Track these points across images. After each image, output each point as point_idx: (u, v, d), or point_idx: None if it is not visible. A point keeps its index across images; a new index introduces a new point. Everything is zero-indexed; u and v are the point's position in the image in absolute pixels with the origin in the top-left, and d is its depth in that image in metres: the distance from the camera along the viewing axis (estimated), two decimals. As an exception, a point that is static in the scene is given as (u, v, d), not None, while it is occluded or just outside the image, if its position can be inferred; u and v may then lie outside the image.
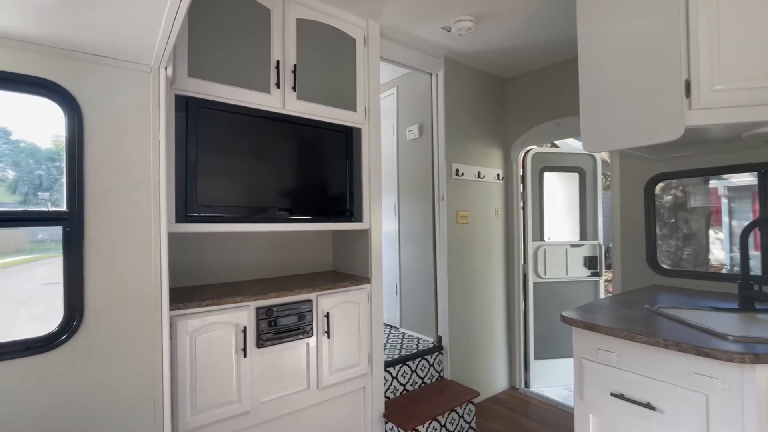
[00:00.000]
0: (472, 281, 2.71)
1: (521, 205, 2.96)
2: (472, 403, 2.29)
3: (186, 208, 1.51)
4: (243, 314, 1.60)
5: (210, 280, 1.91)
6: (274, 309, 1.69)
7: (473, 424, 2.30)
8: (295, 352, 1.77)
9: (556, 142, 3.33)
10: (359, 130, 2.04)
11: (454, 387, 2.40)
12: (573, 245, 2.97)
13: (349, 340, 1.94)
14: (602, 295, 3.01)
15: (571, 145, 3.75)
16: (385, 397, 2.22)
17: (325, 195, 1.92)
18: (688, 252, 2.44)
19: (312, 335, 1.81)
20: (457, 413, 2.21)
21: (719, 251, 2.58)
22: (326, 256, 2.35)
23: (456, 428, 2.20)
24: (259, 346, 1.64)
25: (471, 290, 2.69)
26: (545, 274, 2.91)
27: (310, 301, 1.81)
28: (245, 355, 1.59)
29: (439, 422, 2.11)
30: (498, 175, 2.91)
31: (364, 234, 2.10)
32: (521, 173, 2.97)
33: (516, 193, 2.95)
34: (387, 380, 2.23)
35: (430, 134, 2.70)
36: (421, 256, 2.77)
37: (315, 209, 1.88)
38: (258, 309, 1.65)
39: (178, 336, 1.44)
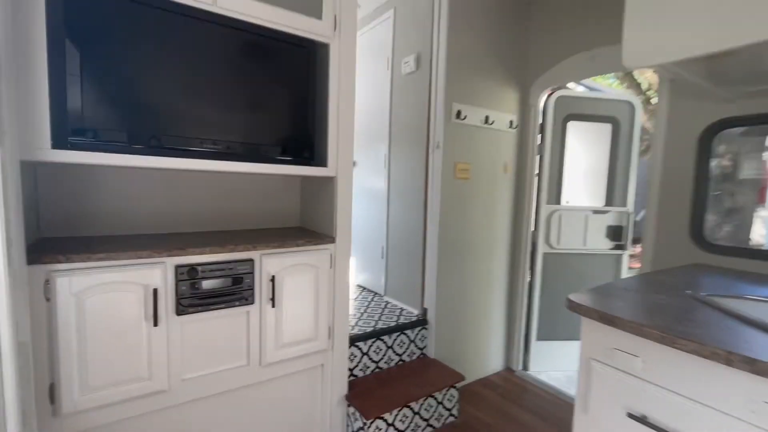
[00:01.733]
0: (469, 248, 2.29)
1: (537, 160, 2.46)
2: (455, 387, 1.96)
3: (64, 129, 1.12)
4: (155, 273, 1.25)
5: (124, 230, 1.55)
6: (199, 269, 1.34)
7: (454, 412, 1.98)
8: (229, 321, 1.43)
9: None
10: (326, 46, 1.57)
11: (436, 368, 2.07)
12: (596, 212, 2.48)
13: (303, 310, 1.59)
14: (625, 273, 2.55)
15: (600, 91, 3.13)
16: (353, 375, 1.90)
17: (277, 129, 1.50)
18: (733, 227, 1.93)
19: (253, 302, 1.46)
20: (436, 399, 1.88)
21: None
22: (293, 208, 1.97)
23: (432, 415, 1.88)
24: (179, 312, 1.31)
25: (466, 258, 2.29)
26: (558, 244, 2.46)
27: (250, 261, 1.45)
28: (155, 323, 1.26)
29: (411, 409, 1.79)
30: (511, 122, 2.39)
31: (330, 183, 1.69)
32: (540, 121, 2.44)
33: (532, 146, 2.45)
34: (355, 357, 1.91)
35: (429, 66, 2.19)
36: (411, 215, 2.36)
37: (262, 147, 1.47)
38: (178, 267, 1.30)
39: (57, 297, 1.11)
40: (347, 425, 1.76)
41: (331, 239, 1.66)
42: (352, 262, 2.98)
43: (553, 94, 2.40)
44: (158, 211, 1.61)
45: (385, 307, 2.41)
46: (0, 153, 0.89)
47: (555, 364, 2.52)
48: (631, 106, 2.48)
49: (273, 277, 1.48)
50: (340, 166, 1.65)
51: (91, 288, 1.16)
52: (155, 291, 1.25)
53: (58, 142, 1.12)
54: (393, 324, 2.11)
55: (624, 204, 2.51)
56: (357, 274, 2.92)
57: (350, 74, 1.64)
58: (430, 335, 2.19)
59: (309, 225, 1.90)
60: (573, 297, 1.06)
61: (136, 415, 1.28)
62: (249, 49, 1.41)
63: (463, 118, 2.16)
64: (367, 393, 1.79)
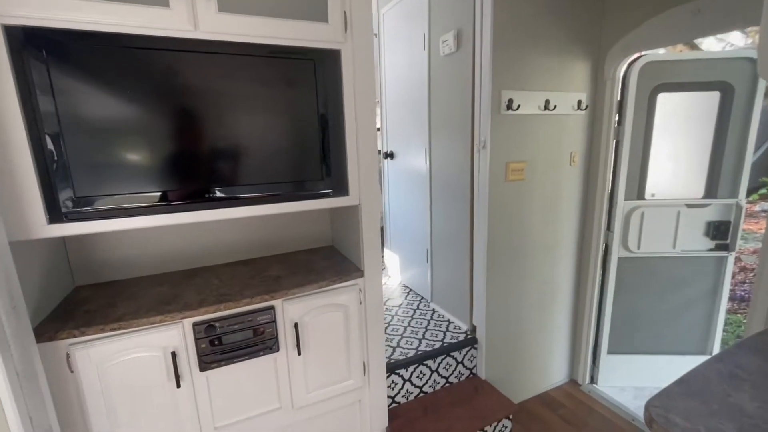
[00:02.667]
0: (526, 255, 1.99)
1: (612, 146, 2.00)
2: (508, 419, 1.78)
3: (58, 202, 1.05)
4: (172, 334, 1.20)
5: (154, 269, 1.53)
6: (217, 324, 1.27)
7: (508, 442, 1.82)
8: (256, 370, 1.37)
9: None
10: (335, 53, 1.31)
11: (486, 393, 1.89)
12: (691, 205, 2.00)
13: (332, 352, 1.48)
14: (729, 278, 2.07)
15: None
16: (394, 402, 1.81)
17: (284, 161, 1.32)
18: None
19: (278, 350, 1.38)
20: (485, 432, 1.73)
21: None
22: (323, 227, 1.82)
23: (482, 449, 1.74)
24: (202, 369, 1.27)
25: (523, 266, 2.00)
26: (639, 247, 2.05)
27: (271, 309, 1.35)
28: (178, 385, 1.23)
29: (457, 445, 1.67)
30: (579, 103, 1.94)
31: (353, 211, 1.50)
32: (618, 98, 1.95)
33: (606, 129, 1.98)
34: (396, 384, 1.79)
35: (471, 45, 1.80)
36: (456, 221, 2.10)
37: (270, 187, 1.30)
38: (195, 325, 1.24)
39: (80, 368, 1.11)
40: (390, 456, 1.70)
41: (359, 273, 1.50)
42: (396, 260, 2.82)
43: (638, 61, 1.87)
44: (187, 247, 1.57)
45: (431, 318, 2.24)
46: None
47: (628, 380, 2.21)
48: (752, 64, 1.86)
49: (296, 324, 1.38)
50: (363, 192, 1.44)
51: (111, 356, 1.14)
52: (173, 354, 1.21)
53: (54, 217, 1.05)
54: (438, 345, 1.95)
55: (734, 194, 1.98)
56: (402, 272, 2.77)
57: (368, 81, 1.37)
58: (480, 355, 2.00)
59: (340, 246, 1.75)
60: (655, 406, 0.79)
61: (173, 466, 1.31)
62: (243, 71, 1.21)
63: (516, 108, 1.78)
64: (408, 426, 1.69)
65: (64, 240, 1.38)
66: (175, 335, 1.21)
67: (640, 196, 2.04)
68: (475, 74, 1.80)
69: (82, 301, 1.29)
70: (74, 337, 1.10)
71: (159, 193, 1.15)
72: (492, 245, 1.89)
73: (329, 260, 1.63)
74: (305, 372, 1.44)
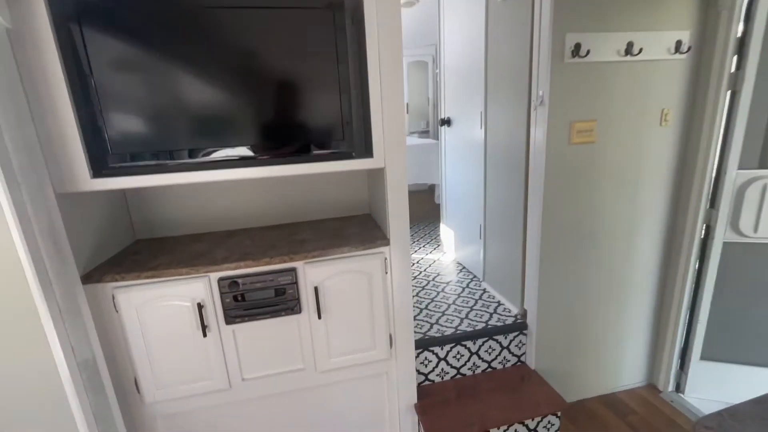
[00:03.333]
0: (594, 237, 1.69)
1: (726, 99, 1.56)
2: (556, 415, 1.57)
3: (100, 159, 1.15)
4: (199, 287, 1.28)
5: (200, 228, 1.64)
6: (240, 281, 1.31)
7: (554, 442, 1.61)
8: (280, 329, 1.40)
9: None
10: (357, 2, 1.20)
11: (533, 383, 1.69)
12: None
13: (355, 319, 1.44)
14: None
15: None
16: (427, 380, 1.72)
17: (306, 121, 1.26)
18: None
19: (300, 312, 1.39)
20: (527, 427, 1.55)
21: None
22: (361, 194, 1.77)
23: (521, 444, 1.57)
24: (228, 322, 1.33)
25: (589, 250, 1.70)
26: (756, 230, 1.59)
27: (293, 270, 1.34)
28: (204, 334, 1.30)
29: (491, 434, 1.52)
30: (679, 44, 1.53)
31: (380, 175, 1.40)
32: (739, 33, 1.49)
33: (719, 76, 1.54)
34: (429, 362, 1.70)
35: (531, -17, 1.52)
36: (510, 188, 1.86)
37: (290, 145, 1.27)
38: (220, 281, 1.30)
39: (122, 310, 1.23)
40: (418, 433, 1.63)
41: (385, 241, 1.41)
42: (451, 236, 2.66)
43: (772, -20, 1.39)
44: (232, 210, 1.66)
45: (480, 298, 2.07)
46: (27, 193, 0.95)
47: (725, 393, 1.78)
48: None
49: (316, 287, 1.36)
50: (389, 154, 1.33)
51: (147, 301, 1.25)
52: (199, 305, 1.28)
53: (97, 172, 1.16)
54: (480, 326, 1.79)
55: None
56: (456, 249, 2.60)
57: (393, 34, 1.24)
58: (530, 342, 1.79)
59: (375, 214, 1.68)
60: (707, 428, 0.58)
61: (206, 407, 1.42)
62: (264, 27, 1.17)
63: (585, 55, 1.46)
64: (439, 406, 1.59)
65: (125, 196, 1.54)
66: (201, 288, 1.28)
67: (764, 164, 1.56)
68: (534, 15, 1.52)
69: (135, 252, 1.44)
70: (116, 281, 1.22)
71: (187, 151, 1.20)
72: (548, 222, 1.63)
73: (361, 227, 1.57)
74: (327, 337, 1.43)
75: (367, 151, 1.33)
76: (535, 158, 1.61)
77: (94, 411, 1.13)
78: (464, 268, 2.48)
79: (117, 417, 1.24)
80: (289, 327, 1.41)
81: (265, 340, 1.40)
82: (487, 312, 1.91)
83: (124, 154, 1.16)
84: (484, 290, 2.15)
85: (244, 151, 1.23)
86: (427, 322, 1.85)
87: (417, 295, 2.13)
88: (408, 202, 1.40)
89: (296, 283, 1.36)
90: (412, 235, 3.18)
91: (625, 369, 1.93)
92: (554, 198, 1.61)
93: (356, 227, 1.58)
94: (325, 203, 1.74)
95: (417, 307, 2.00)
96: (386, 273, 1.44)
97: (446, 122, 2.51)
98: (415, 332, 1.77)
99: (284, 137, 1.26)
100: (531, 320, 1.76)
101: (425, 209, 3.56)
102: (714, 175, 1.64)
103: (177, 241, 1.56)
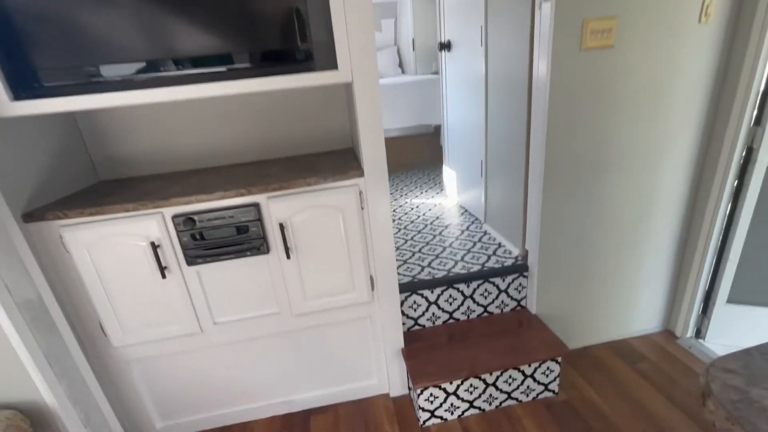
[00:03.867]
0: (608, 164, 1.46)
1: (787, -18, 1.23)
2: (555, 361, 1.44)
3: (19, 78, 1.00)
4: (151, 225, 1.16)
5: (168, 167, 1.51)
6: (196, 218, 1.18)
7: (553, 387, 1.49)
8: (249, 270, 1.29)
9: None
10: None
11: (533, 329, 1.55)
12: None
13: (329, 259, 1.31)
14: None
15: None
16: (417, 325, 1.61)
17: (252, 28, 1.06)
18: None
19: (268, 252, 1.26)
20: (523, 372, 1.44)
21: None
22: (341, 123, 1.57)
23: (515, 389, 1.46)
24: (189, 263, 1.23)
25: (600, 179, 1.48)
26: (809, 150, 1.32)
27: (255, 206, 1.21)
28: (163, 275, 1.21)
29: (483, 381, 1.42)
30: None
31: (346, 91, 1.20)
32: None
33: (778, -48, 1.20)
34: (419, 305, 1.58)
35: None
36: (512, 114, 1.62)
37: (232, 57, 1.07)
38: (174, 218, 1.18)
39: (71, 250, 1.14)
40: (408, 380, 1.55)
41: (359, 171, 1.24)
42: (453, 178, 2.45)
43: None
44: (201, 147, 1.51)
45: (479, 240, 1.90)
46: None
47: (754, 339, 1.60)
48: None
49: (281, 224, 1.22)
50: (357, 65, 1.12)
51: (97, 241, 1.15)
52: (153, 244, 1.17)
53: (18, 93, 1.01)
54: (476, 269, 1.64)
55: None
56: (459, 192, 2.40)
57: None
58: (530, 285, 1.63)
59: (357, 147, 1.49)
60: (716, 367, 0.41)
61: (179, 351, 1.36)
62: None
63: (604, -73, 1.15)
64: (427, 350, 1.49)
65: (79, 130, 1.41)
66: (155, 226, 1.16)
67: (829, 65, 1.25)
68: None
69: (92, 191, 1.33)
70: (59, 219, 1.12)
71: (120, 66, 1.03)
72: (552, 152, 1.40)
73: (337, 161, 1.40)
74: (301, 278, 1.31)
75: (330, 62, 1.12)
76: (538, 70, 1.36)
77: (45, 352, 1.07)
78: (466, 211, 2.29)
79: (78, 358, 1.19)
80: (259, 268, 1.30)
81: (235, 282, 1.30)
82: (485, 254, 1.75)
83: (49, 71, 1.01)
84: (485, 232, 1.98)
85: (179, 66, 1.05)
86: (418, 265, 1.71)
87: (411, 239, 1.98)
88: (383, 125, 1.21)
89: (260, 220, 1.22)
90: (415, 181, 2.99)
91: (638, 314, 1.76)
92: (559, 123, 1.37)
93: (333, 161, 1.41)
94: (303, 137, 1.56)
95: (409, 250, 1.86)
96: (362, 208, 1.28)
97: (446, 46, 2.21)
98: (403, 275, 1.64)
99: (230, 45, 1.06)
100: (532, 261, 1.59)
101: (430, 153, 3.32)
102: (764, 86, 1.34)
103: (139, 180, 1.43)
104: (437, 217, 2.23)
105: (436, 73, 4.04)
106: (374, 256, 1.35)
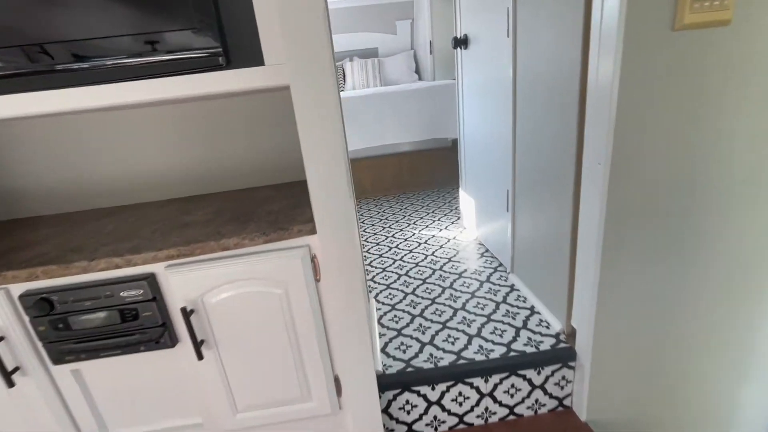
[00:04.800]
0: (706, 200, 0.93)
1: None
2: None
3: None
4: (-11, 308, 0.76)
5: (71, 205, 1.12)
6: (54, 299, 0.77)
7: None
8: (150, 368, 0.87)
9: None
10: None
11: (584, 451, 1.04)
12: None
13: (268, 357, 0.86)
14: None
15: None
16: (411, 431, 1.13)
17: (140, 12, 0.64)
18: None
19: (173, 345, 0.83)
20: None
21: None
22: (294, 150, 1.13)
23: None
24: (56, 361, 0.81)
25: (693, 224, 0.95)
26: None
27: (148, 279, 0.78)
28: (9, 383, 0.79)
29: None
30: None
31: (282, 104, 0.76)
32: None
33: None
34: (414, 406, 1.10)
35: None
36: (558, 131, 1.13)
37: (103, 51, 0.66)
38: (21, 298, 0.76)
39: None
40: None
41: (308, 227, 0.79)
42: (471, 206, 1.96)
43: None
44: (125, 176, 1.11)
45: (504, 300, 1.40)
46: None
47: None
48: None
49: (186, 309, 0.78)
50: (297, 59, 0.68)
51: None
52: (-11, 338, 0.76)
53: None
54: (498, 351, 1.14)
55: None
56: (478, 224, 1.91)
57: None
58: (579, 380, 1.11)
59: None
60: None
61: (57, 477, 0.94)
62: None
63: None
64: (423, 482, 1.00)
65: (-50, 162, 1.04)
66: (-7, 310, 0.76)
67: None
68: None
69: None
70: None
71: None
72: (619, 181, 0.90)
73: (293, 201, 0.96)
74: (226, 383, 0.87)
75: (253, 55, 0.69)
76: (597, 74, 0.86)
77: None
78: (487, 251, 1.79)
79: None
80: (165, 367, 0.87)
81: (137, 384, 0.88)
82: (512, 325, 1.25)
83: None
84: (512, 287, 1.47)
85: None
86: (416, 340, 1.23)
87: (412, 292, 1.51)
88: (344, 151, 0.75)
89: (156, 299, 0.79)
90: (427, 205, 2.50)
91: (741, 420, 1.20)
92: (632, 143, 0.87)
93: (288, 201, 0.97)
94: (254, 163, 1.14)
95: (407, 312, 1.38)
96: (316, 280, 0.83)
97: (461, 42, 1.74)
98: (394, 359, 1.16)
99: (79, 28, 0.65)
100: (583, 345, 1.08)
101: (446, 171, 2.83)
102: None
103: (34, 223, 1.05)
104: (449, 259, 1.75)
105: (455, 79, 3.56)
106: (340, 349, 0.89)
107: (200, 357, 0.81)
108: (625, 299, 1.01)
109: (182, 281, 0.78)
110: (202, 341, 0.83)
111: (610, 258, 0.97)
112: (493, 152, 1.60)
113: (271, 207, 0.93)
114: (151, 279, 0.78)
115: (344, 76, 3.61)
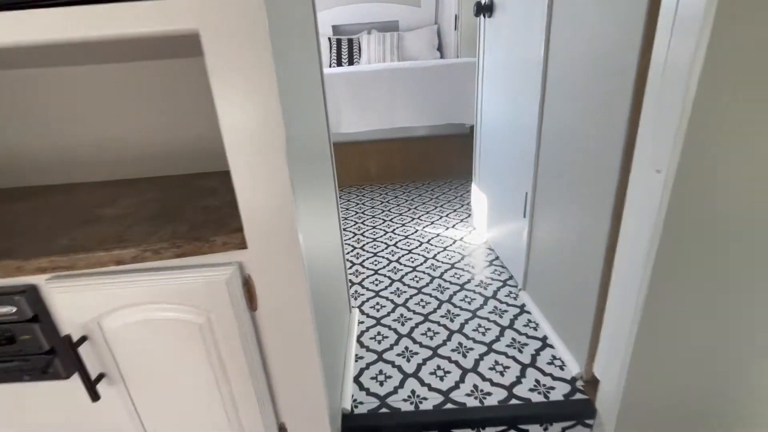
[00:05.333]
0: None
1: None
2: None
3: None
4: None
5: (20, 179, 0.94)
6: None
7: None
8: (44, 401, 0.69)
9: None
10: None
11: None
12: None
13: (190, 400, 0.66)
14: None
15: None
16: (382, 483, 0.92)
17: None
18: None
19: (66, 377, 0.64)
20: None
21: None
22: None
23: None
24: None
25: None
26: None
27: (25, 293, 0.58)
28: None
29: None
30: None
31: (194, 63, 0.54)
32: None
33: None
34: (385, 456, 0.89)
35: None
36: (604, 130, 0.86)
37: None
38: None
39: None
40: None
41: (238, 239, 0.57)
42: (482, 203, 1.71)
43: None
44: (49, 148, 0.92)
45: (511, 324, 1.16)
46: None
47: None
48: None
49: (80, 335, 0.58)
50: (209, -9, 0.44)
51: None
52: None
53: None
54: (497, 394, 0.92)
55: None
56: (489, 225, 1.66)
57: None
58: (597, 441, 0.88)
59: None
60: None
61: None
62: None
63: None
64: None
65: None
66: None
67: None
68: None
69: None
70: None
71: None
72: (686, 196, 0.64)
73: (231, 196, 0.74)
74: (141, 428, 0.68)
75: (146, -16, 0.45)
76: (668, 52, 0.59)
77: None
78: (497, 258, 1.55)
79: None
80: (65, 399, 0.69)
81: (32, 420, 0.70)
82: (519, 360, 1.02)
83: None
84: (522, 308, 1.23)
85: None
86: (398, 369, 1.02)
87: (404, 303, 1.29)
88: (282, 138, 0.52)
89: (36, 320, 0.60)
90: (436, 197, 2.26)
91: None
92: (712, 146, 0.60)
93: (233, 193, 0.75)
94: (206, 143, 0.92)
95: (394, 330, 1.17)
96: (252, 308, 0.62)
97: (485, 9, 1.45)
98: (367, 391, 0.96)
99: None
100: (606, 401, 0.84)
101: (461, 160, 2.56)
102: None
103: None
104: (452, 265, 1.51)
105: (482, 58, 3.23)
106: (285, 392, 0.69)
107: (94, 397, 0.62)
108: (674, 350, 0.77)
109: (68, 300, 0.58)
110: (101, 375, 0.63)
111: (660, 292, 0.72)
112: (513, 144, 1.33)
113: (210, 201, 0.72)
114: (30, 293, 0.59)
115: (360, 50, 3.33)
